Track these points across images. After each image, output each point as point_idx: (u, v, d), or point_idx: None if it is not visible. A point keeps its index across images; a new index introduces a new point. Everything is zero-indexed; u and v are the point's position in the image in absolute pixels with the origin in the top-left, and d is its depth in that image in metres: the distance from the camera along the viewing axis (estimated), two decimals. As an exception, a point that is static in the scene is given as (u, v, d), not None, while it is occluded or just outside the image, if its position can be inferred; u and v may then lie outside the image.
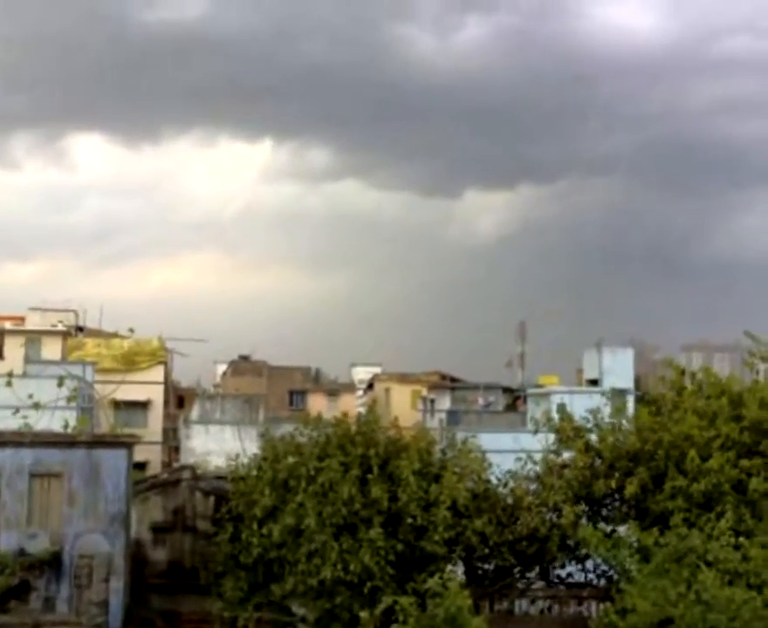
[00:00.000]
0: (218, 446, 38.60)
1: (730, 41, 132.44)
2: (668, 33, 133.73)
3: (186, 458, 41.58)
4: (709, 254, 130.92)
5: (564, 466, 24.20)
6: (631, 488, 22.76)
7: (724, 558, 19.62)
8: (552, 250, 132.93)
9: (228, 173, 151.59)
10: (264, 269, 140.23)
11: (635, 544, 21.46)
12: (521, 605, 24.41)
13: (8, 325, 56.59)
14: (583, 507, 23.65)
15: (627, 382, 47.20)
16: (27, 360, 46.86)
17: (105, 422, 43.48)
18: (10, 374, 31.23)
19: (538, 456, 25.08)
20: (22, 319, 59.20)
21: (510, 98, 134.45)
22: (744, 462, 22.04)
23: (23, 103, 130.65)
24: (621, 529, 22.75)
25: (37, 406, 27.39)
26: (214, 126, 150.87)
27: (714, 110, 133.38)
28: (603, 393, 36.82)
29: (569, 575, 24.53)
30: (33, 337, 53.44)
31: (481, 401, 57.12)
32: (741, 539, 20.31)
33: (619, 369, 48.33)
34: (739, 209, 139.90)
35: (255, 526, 22.05)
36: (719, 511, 21.39)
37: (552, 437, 25.17)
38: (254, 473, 23.23)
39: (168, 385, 57.16)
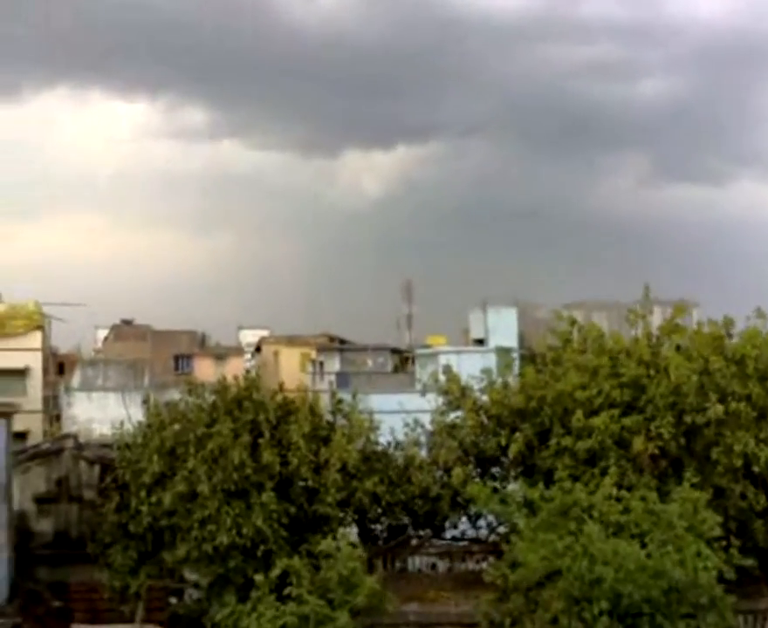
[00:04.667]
0: (102, 413, 37.73)
1: (592, 5, 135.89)
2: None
3: (68, 426, 40.51)
4: (579, 215, 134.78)
5: (453, 426, 24.56)
6: (515, 447, 23.25)
7: (607, 511, 20.32)
8: (432, 211, 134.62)
9: (101, 131, 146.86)
10: (144, 231, 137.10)
11: (522, 499, 22.00)
12: (414, 563, 24.79)
13: None
14: (473, 466, 24.07)
15: (511, 341, 48.15)
16: None
17: (-20, 391, 41.81)
18: None
19: (427, 416, 25.39)
20: None
21: (383, 60, 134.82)
22: (626, 421, 22.79)
23: None
24: (510, 487, 23.27)
25: None
26: (83, 84, 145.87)
27: (579, 73, 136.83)
28: (489, 352, 37.54)
29: (463, 533, 25.01)
30: None
31: (370, 363, 57.38)
32: (623, 492, 21.06)
33: (503, 328, 49.27)
34: (606, 172, 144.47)
35: (143, 494, 21.64)
36: (603, 467, 22.13)
37: (441, 398, 25.48)
38: (140, 440, 22.75)
39: (47, 351, 55.29)
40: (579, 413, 22.80)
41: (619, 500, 20.78)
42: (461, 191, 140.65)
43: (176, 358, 67.22)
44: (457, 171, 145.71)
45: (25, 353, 51.73)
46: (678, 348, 24.22)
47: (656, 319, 25.98)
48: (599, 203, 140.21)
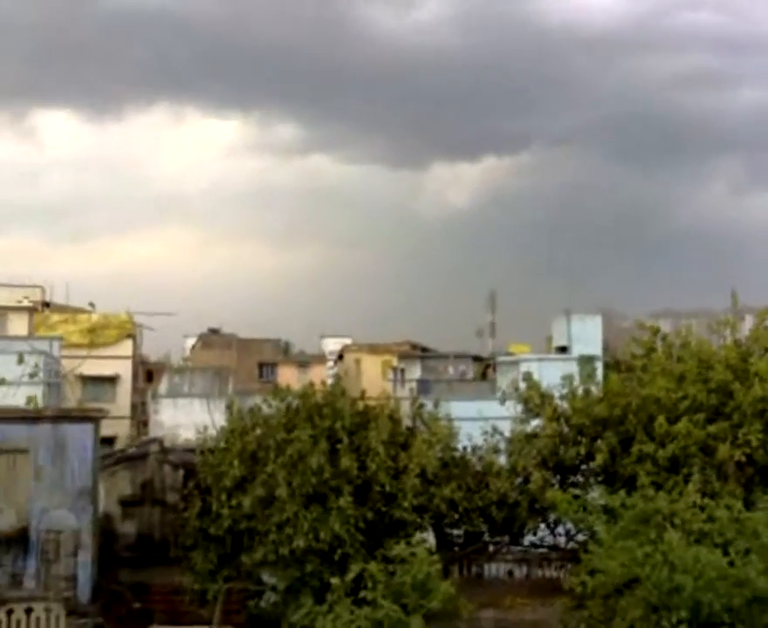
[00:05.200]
0: (187, 419, 38.36)
1: (686, 16, 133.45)
2: (626, 9, 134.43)
3: (155, 432, 41.30)
4: (671, 225, 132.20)
5: (533, 435, 24.31)
6: (600, 456, 22.90)
7: (690, 519, 19.80)
8: (518, 221, 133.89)
9: (195, 148, 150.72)
10: (233, 244, 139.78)
11: (602, 507, 21.63)
12: (491, 569, 24.59)
13: (-27, 301, 55.92)
14: (552, 473, 23.77)
15: (595, 349, 47.52)
16: (-8, 336, 46.36)
17: (71, 397, 43.19)
18: (-28, 350, 30.99)
19: (507, 424, 25.20)
20: (-13, 295, 58.50)
21: (471, 74, 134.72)
22: (711, 428, 22.23)
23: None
24: (590, 496, 22.89)
25: (1, 381, 27.19)
26: (179, 102, 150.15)
27: (672, 84, 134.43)
28: (572, 360, 37.06)
29: (541, 539, 24.73)
30: (-1, 313, 52.88)
31: (451, 370, 57.22)
32: (706, 500, 20.52)
33: (587, 336, 48.61)
34: (699, 181, 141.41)
35: (224, 497, 21.97)
36: (686, 474, 21.62)
37: (520, 406, 25.26)
38: (222, 445, 23.11)
39: (136, 359, 56.78)
40: (661, 419, 22.36)
41: (702, 508, 20.25)
42: (549, 201, 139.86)
43: (261, 366, 68.31)
44: (547, 181, 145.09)
45: (116, 361, 53.31)
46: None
47: (748, 327, 25.37)
48: (691, 212, 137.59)
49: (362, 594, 19.52)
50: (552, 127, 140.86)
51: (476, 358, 60.31)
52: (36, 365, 32.39)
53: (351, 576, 19.87)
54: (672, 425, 22.37)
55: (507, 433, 25.02)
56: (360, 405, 23.53)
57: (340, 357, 69.95)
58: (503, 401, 26.28)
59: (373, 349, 65.99)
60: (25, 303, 56.26)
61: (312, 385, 24.00)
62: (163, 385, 46.21)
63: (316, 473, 21.31)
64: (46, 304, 61.94)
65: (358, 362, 65.57)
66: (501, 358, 52.36)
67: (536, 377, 26.26)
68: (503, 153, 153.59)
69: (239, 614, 23.01)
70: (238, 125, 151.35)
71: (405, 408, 25.50)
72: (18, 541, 21.74)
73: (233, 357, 62.78)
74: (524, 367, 40.48)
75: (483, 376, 57.80)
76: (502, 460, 24.46)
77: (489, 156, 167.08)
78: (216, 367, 50.45)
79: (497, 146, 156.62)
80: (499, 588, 23.11)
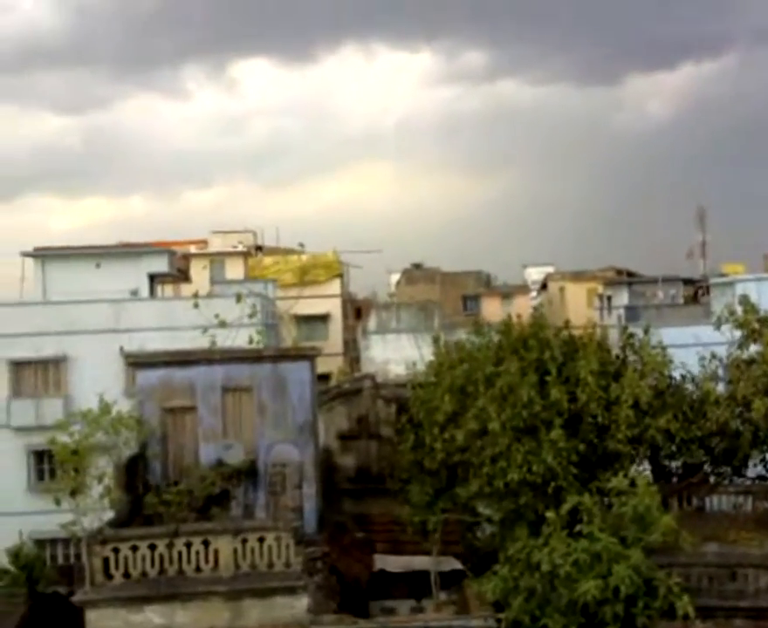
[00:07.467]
0: (396, 354, 39.35)
1: None
2: None
3: (366, 367, 42.57)
4: None
5: (751, 361, 23.18)
6: None
7: None
8: (723, 130, 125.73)
9: (386, 83, 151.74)
10: (429, 176, 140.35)
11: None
12: (712, 502, 23.84)
13: (192, 249, 59.46)
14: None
15: (822, 265, 44.37)
16: (212, 281, 49.11)
17: (288, 337, 45.17)
18: (195, 295, 32.95)
19: (722, 349, 24.15)
20: (205, 243, 62.01)
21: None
22: None
23: (190, 36, 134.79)
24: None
25: (223, 324, 28.79)
26: (367, 38, 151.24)
27: None
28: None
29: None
30: (216, 259, 56.08)
31: (660, 295, 55.11)
32: None
33: (811, 252, 45.39)
34: None
35: (437, 431, 22.42)
36: None
37: (737, 331, 24.10)
38: (432, 379, 23.52)
39: (345, 297, 58.46)
40: None
41: None
42: (757, 106, 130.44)
43: (464, 299, 68.61)
44: (752, 84, 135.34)
45: (326, 300, 55.19)
46: None
47: None
48: None
49: (578, 527, 19.48)
50: (755, 26, 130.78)
51: (687, 281, 57.67)
52: (254, 306, 33.94)
53: (566, 508, 19.85)
54: None
55: (725, 359, 23.98)
56: (566, 334, 23.26)
57: (544, 286, 69.07)
58: (718, 327, 25.16)
59: (577, 276, 64.63)
60: (240, 248, 59.18)
61: (510, 317, 23.95)
62: (372, 322, 47.33)
63: (526, 405, 21.33)
64: (259, 248, 64.77)
65: (562, 290, 64.48)
66: (714, 280, 49.87)
67: (753, 299, 24.90)
68: (702, 59, 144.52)
69: (457, 545, 23.55)
70: (427, 56, 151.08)
71: (613, 337, 24.96)
72: (248, 474, 23.15)
73: (437, 291, 63.32)
74: (739, 289, 38.22)
75: (695, 300, 55.41)
76: (720, 387, 23.50)
77: (686, 63, 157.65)
78: (421, 302, 51.03)
79: (696, 52, 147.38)
80: (722, 521, 22.39)
